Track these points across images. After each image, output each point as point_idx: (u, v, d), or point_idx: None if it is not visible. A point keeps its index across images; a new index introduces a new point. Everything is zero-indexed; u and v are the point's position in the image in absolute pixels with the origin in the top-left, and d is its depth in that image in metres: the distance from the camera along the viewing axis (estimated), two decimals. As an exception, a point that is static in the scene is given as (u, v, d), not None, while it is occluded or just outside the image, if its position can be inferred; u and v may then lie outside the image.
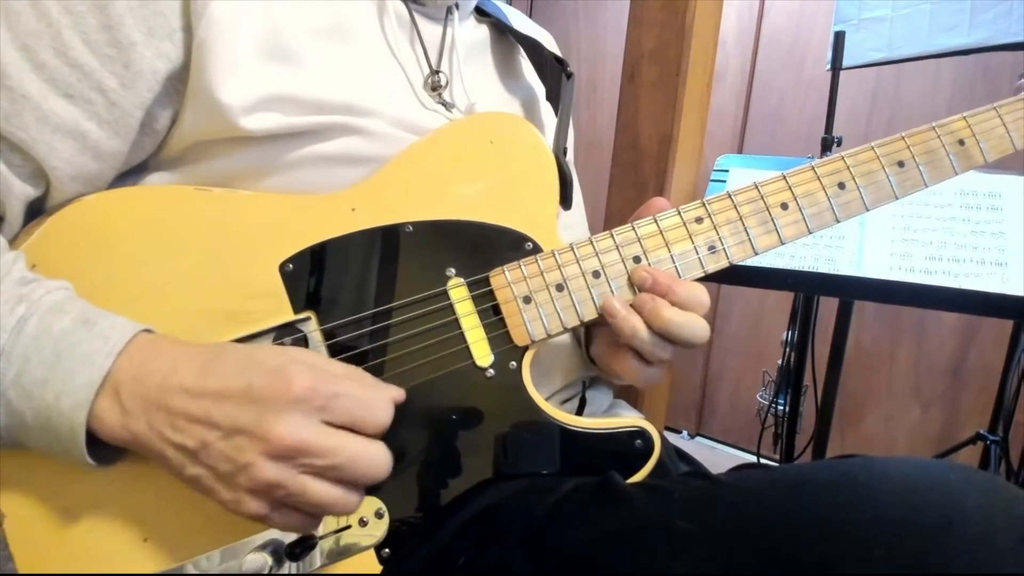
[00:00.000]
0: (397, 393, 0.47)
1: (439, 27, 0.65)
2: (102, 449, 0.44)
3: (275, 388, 0.42)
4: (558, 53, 0.74)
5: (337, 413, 0.43)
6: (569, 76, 0.70)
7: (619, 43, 1.31)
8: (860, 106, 2.05)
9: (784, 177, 0.57)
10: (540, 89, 0.73)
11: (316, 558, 0.49)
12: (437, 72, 0.63)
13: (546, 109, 0.72)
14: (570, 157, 0.71)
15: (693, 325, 0.53)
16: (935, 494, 0.40)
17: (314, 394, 0.42)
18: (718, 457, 2.35)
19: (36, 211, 0.51)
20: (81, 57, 0.47)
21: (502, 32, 0.74)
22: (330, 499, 0.43)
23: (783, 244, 0.57)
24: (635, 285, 0.55)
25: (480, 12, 0.73)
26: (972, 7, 1.31)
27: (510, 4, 2.85)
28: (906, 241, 1.09)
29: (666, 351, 0.54)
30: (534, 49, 0.73)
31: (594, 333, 0.65)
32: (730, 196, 0.57)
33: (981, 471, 0.44)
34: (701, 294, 0.54)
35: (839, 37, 1.47)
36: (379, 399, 0.45)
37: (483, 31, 0.73)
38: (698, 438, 2.51)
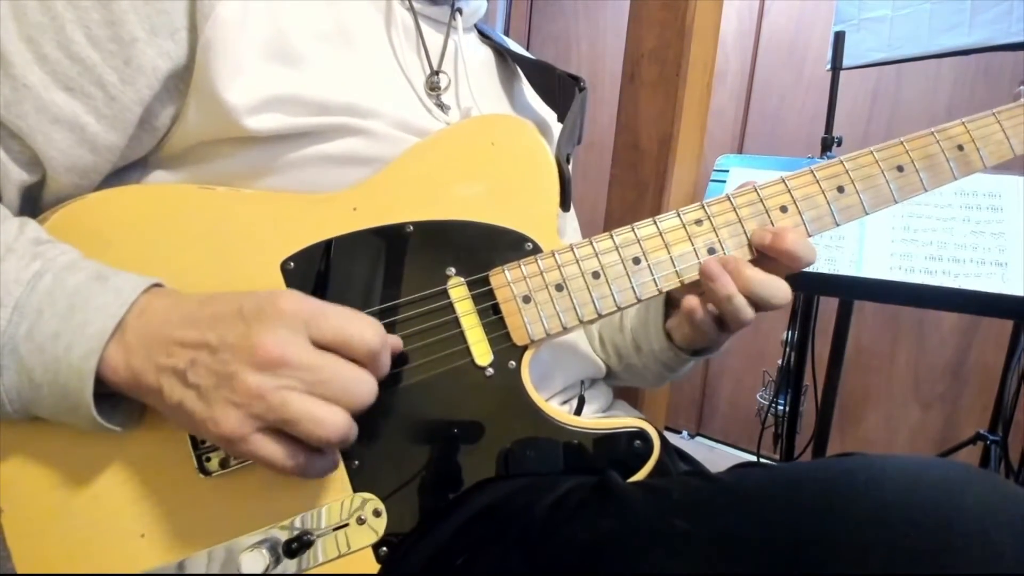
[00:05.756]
0: (395, 340, 0.48)
1: (443, 35, 0.66)
2: (110, 412, 0.45)
3: (262, 307, 0.43)
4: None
5: (324, 330, 0.43)
6: (582, 90, 0.70)
7: (619, 43, 1.31)
8: (860, 106, 2.05)
9: (783, 180, 0.58)
10: (548, 114, 0.74)
11: (313, 556, 0.49)
12: (437, 73, 0.64)
13: (558, 131, 0.73)
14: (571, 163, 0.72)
15: (772, 284, 0.55)
16: (934, 492, 0.40)
17: (300, 309, 0.43)
18: (718, 457, 2.35)
19: (32, 198, 0.52)
20: (83, 51, 0.47)
21: (504, 58, 0.75)
22: (311, 414, 0.42)
23: (782, 246, 0.57)
24: (754, 245, 0.57)
25: (482, 35, 0.74)
26: (972, 7, 1.31)
27: (510, 7, 2.85)
28: (906, 241, 1.09)
29: (749, 313, 0.56)
30: (543, 71, 0.73)
31: (674, 311, 0.66)
32: (729, 198, 0.57)
33: (980, 469, 0.44)
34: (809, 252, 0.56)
35: (839, 37, 1.47)
36: (368, 324, 0.45)
37: (486, 51, 0.74)
38: (698, 438, 2.51)
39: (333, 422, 0.42)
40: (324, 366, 0.43)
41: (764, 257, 0.57)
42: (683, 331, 0.64)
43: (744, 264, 0.55)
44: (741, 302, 0.55)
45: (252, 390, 0.41)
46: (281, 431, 0.43)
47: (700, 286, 0.57)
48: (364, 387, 0.44)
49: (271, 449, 0.43)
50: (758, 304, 0.56)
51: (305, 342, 0.43)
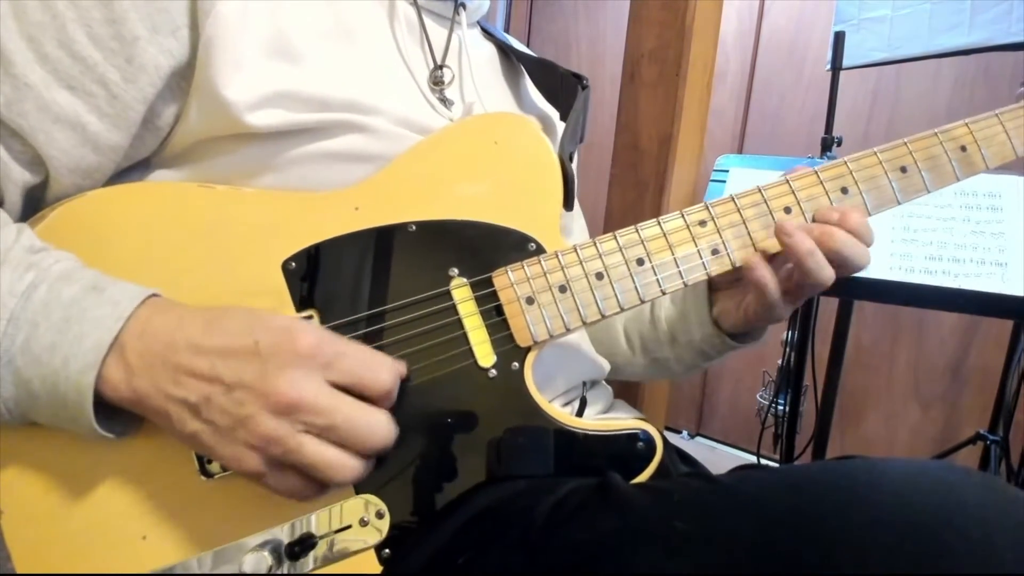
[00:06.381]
0: (401, 367, 0.48)
1: (446, 30, 0.66)
2: (109, 420, 0.45)
3: (280, 345, 0.43)
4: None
5: (340, 371, 0.44)
6: (585, 87, 0.70)
7: (619, 43, 1.31)
8: (860, 106, 2.05)
9: (787, 180, 0.58)
10: (552, 111, 0.74)
11: (315, 558, 0.49)
12: (441, 67, 0.64)
13: (562, 128, 0.73)
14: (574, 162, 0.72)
15: (859, 246, 0.56)
16: (934, 495, 0.40)
17: (318, 351, 0.43)
18: (718, 457, 2.35)
19: (35, 199, 0.52)
20: (84, 50, 0.47)
21: (507, 55, 0.74)
22: (325, 460, 0.42)
23: (786, 247, 0.57)
24: (818, 218, 0.57)
25: (484, 32, 0.74)
26: (972, 7, 1.31)
27: (510, 7, 2.85)
28: (906, 241, 1.09)
29: (829, 272, 0.56)
30: (546, 70, 0.73)
31: (718, 295, 0.66)
32: (733, 199, 0.57)
33: (980, 472, 0.44)
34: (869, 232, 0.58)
35: (839, 37, 1.47)
36: (383, 362, 0.46)
37: (490, 48, 0.74)
38: (698, 438, 2.51)
39: (347, 467, 0.43)
40: (339, 411, 0.43)
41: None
42: (744, 309, 0.63)
43: (835, 228, 0.56)
44: (821, 259, 0.55)
45: (269, 435, 0.42)
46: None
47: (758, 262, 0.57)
48: (380, 431, 0.45)
49: (286, 485, 0.44)
50: (841, 264, 0.56)
51: (321, 384, 0.43)
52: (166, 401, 0.43)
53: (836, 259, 0.56)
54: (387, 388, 0.45)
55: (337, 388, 0.44)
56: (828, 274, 0.56)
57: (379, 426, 0.45)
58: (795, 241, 0.55)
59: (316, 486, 0.45)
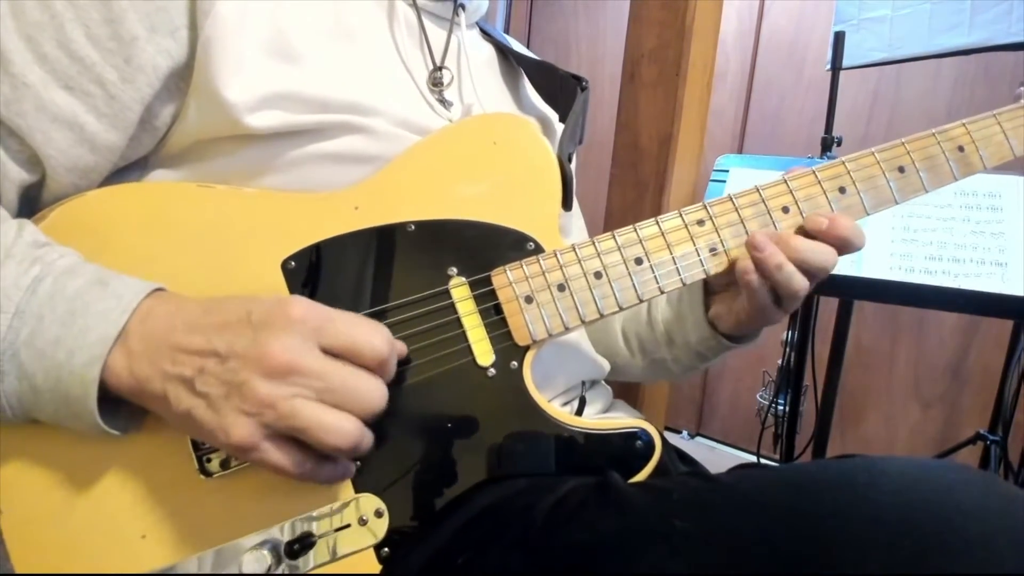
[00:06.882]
0: (400, 345, 0.48)
1: (445, 31, 0.66)
2: (112, 417, 0.45)
3: (272, 314, 0.43)
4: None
5: (333, 335, 0.43)
6: (584, 89, 0.70)
7: (619, 43, 1.31)
8: (860, 106, 2.05)
9: (785, 180, 0.58)
10: (550, 113, 0.74)
11: (315, 557, 0.49)
12: (440, 68, 0.64)
13: (561, 130, 0.73)
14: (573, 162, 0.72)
15: (822, 250, 0.56)
16: (934, 494, 0.40)
17: (309, 316, 0.43)
18: (718, 457, 2.35)
19: (31, 199, 0.52)
20: (82, 50, 0.47)
21: (506, 57, 0.75)
22: (321, 423, 0.42)
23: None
24: (809, 231, 0.57)
25: (484, 33, 0.74)
26: (972, 7, 1.31)
27: (510, 7, 2.85)
28: (906, 241, 1.09)
29: (801, 282, 0.56)
30: (545, 72, 0.73)
31: (714, 299, 0.66)
32: (732, 199, 0.57)
33: (979, 470, 0.44)
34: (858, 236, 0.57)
35: (839, 37, 1.47)
36: (376, 328, 0.46)
37: (489, 49, 0.74)
38: (698, 438, 2.51)
39: (344, 429, 0.43)
40: (334, 373, 0.43)
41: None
42: (736, 312, 0.62)
43: (791, 235, 0.56)
44: (791, 270, 0.56)
45: (263, 399, 0.41)
46: (291, 437, 0.43)
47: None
48: (374, 394, 0.44)
49: (281, 457, 0.43)
50: (810, 272, 0.56)
51: (314, 349, 0.43)
52: (164, 381, 0.43)
53: (804, 267, 0.56)
54: (382, 353, 0.45)
55: (331, 355, 0.44)
56: (799, 283, 0.56)
57: (374, 388, 0.44)
58: (766, 256, 0.55)
59: (314, 458, 0.44)
